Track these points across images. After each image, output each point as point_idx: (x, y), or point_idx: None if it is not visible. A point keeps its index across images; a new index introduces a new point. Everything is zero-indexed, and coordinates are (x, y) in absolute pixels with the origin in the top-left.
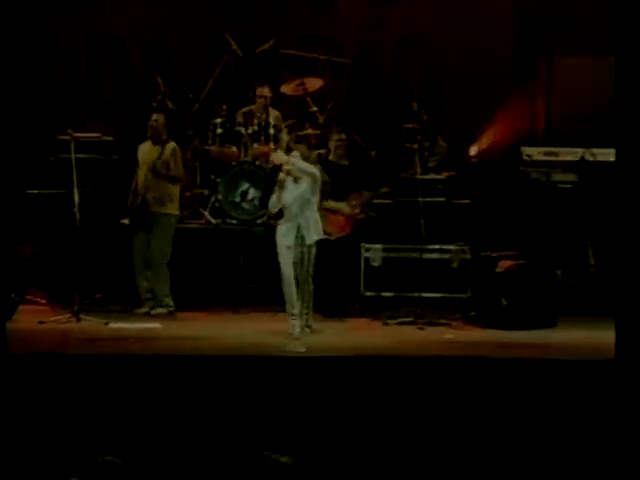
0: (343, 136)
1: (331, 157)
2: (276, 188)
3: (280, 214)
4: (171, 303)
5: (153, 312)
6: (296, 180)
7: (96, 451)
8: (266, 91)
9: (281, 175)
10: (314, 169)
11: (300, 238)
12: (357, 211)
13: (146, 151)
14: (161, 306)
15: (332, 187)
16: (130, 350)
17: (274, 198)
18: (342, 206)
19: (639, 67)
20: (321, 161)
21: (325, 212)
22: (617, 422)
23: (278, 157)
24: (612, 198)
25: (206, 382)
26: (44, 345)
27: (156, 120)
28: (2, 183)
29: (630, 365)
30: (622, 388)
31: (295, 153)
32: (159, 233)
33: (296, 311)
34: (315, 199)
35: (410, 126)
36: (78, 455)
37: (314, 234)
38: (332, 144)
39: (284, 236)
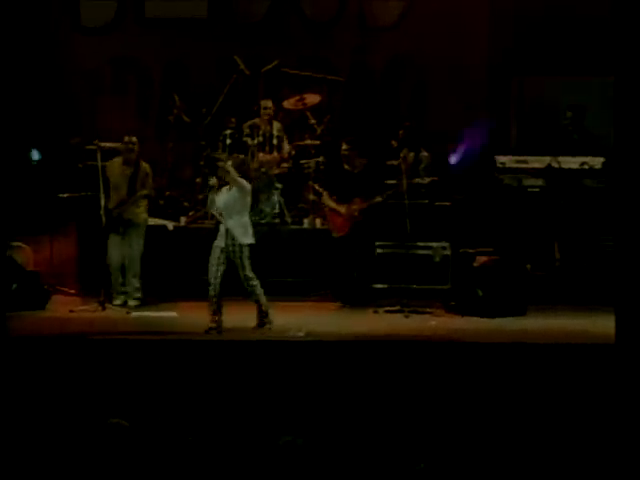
0: (348, 146)
1: (345, 166)
2: (207, 190)
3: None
4: (140, 294)
5: (131, 303)
6: (228, 190)
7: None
8: (270, 104)
9: (212, 180)
10: (243, 182)
11: (231, 239)
12: (356, 214)
13: (118, 171)
14: (134, 299)
15: (339, 191)
16: (149, 335)
17: (209, 200)
18: (342, 208)
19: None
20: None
21: (328, 212)
22: (601, 402)
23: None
24: (575, 200)
25: (214, 364)
26: (73, 329)
27: (134, 143)
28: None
29: (629, 349)
30: (622, 371)
31: (229, 162)
32: (135, 236)
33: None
34: (244, 207)
35: (390, 163)
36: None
37: (242, 237)
38: (342, 152)
39: (218, 237)
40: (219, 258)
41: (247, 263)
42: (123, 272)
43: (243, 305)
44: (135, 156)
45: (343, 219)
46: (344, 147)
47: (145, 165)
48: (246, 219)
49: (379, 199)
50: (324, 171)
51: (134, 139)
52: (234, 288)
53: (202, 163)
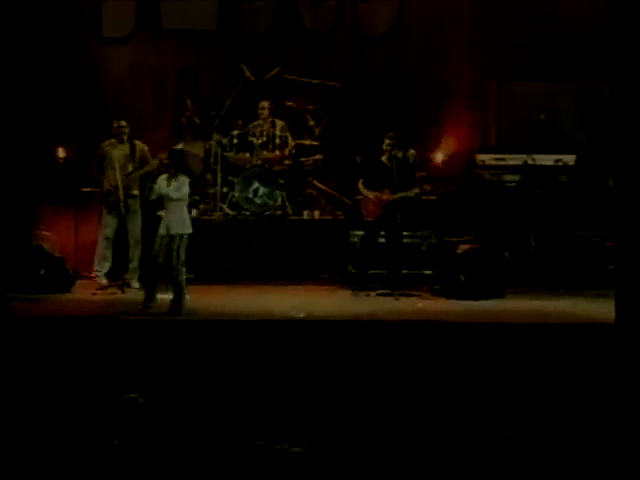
0: (390, 141)
1: (383, 159)
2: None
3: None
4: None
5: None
6: (169, 182)
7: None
8: (266, 104)
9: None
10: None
11: (166, 228)
12: (384, 204)
13: (112, 150)
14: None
15: (373, 181)
16: (164, 316)
17: (147, 187)
18: (373, 196)
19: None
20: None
21: (363, 198)
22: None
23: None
24: (549, 194)
25: (219, 342)
26: (95, 310)
27: (123, 125)
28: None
29: (628, 329)
30: (622, 350)
31: (164, 155)
32: (135, 214)
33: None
34: (181, 198)
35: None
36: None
37: (177, 227)
38: (384, 147)
39: (160, 225)
40: (161, 245)
41: (182, 253)
42: (126, 251)
43: (249, 289)
44: (127, 136)
45: (375, 206)
46: (387, 142)
47: (139, 143)
48: (183, 209)
49: (402, 194)
50: (322, 168)
51: (123, 122)
52: (244, 273)
53: (212, 161)
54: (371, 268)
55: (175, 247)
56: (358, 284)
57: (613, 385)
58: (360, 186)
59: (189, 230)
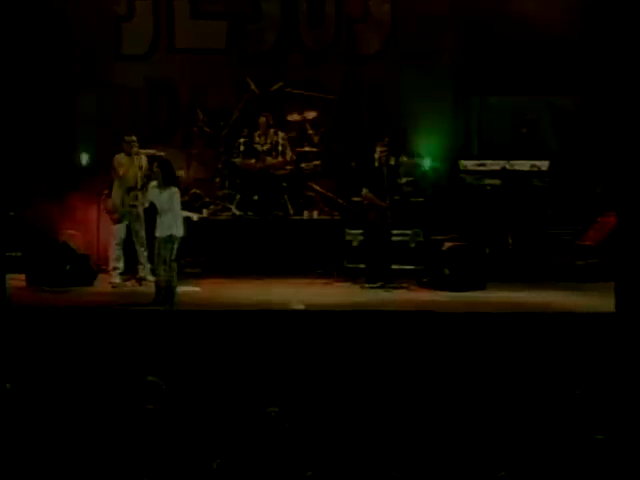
0: (383, 148)
1: (375, 165)
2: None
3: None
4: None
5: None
6: (161, 191)
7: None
8: (262, 120)
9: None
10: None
11: (160, 232)
12: (385, 209)
13: (124, 163)
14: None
15: (374, 186)
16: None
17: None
18: (380, 202)
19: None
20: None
21: (368, 204)
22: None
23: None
24: (525, 196)
25: (230, 330)
26: (115, 302)
27: (134, 140)
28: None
29: (628, 318)
30: (622, 338)
31: (155, 164)
32: (140, 219)
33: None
34: (171, 204)
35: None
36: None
37: (166, 230)
38: (377, 155)
39: (156, 229)
40: (158, 245)
41: (164, 253)
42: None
43: (253, 283)
44: (136, 151)
45: (379, 211)
46: (380, 149)
47: (144, 157)
48: (171, 216)
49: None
50: (320, 172)
51: (133, 137)
52: (250, 267)
53: (220, 166)
54: (380, 264)
55: (162, 249)
56: (370, 279)
57: (589, 369)
58: (369, 194)
59: (170, 232)
